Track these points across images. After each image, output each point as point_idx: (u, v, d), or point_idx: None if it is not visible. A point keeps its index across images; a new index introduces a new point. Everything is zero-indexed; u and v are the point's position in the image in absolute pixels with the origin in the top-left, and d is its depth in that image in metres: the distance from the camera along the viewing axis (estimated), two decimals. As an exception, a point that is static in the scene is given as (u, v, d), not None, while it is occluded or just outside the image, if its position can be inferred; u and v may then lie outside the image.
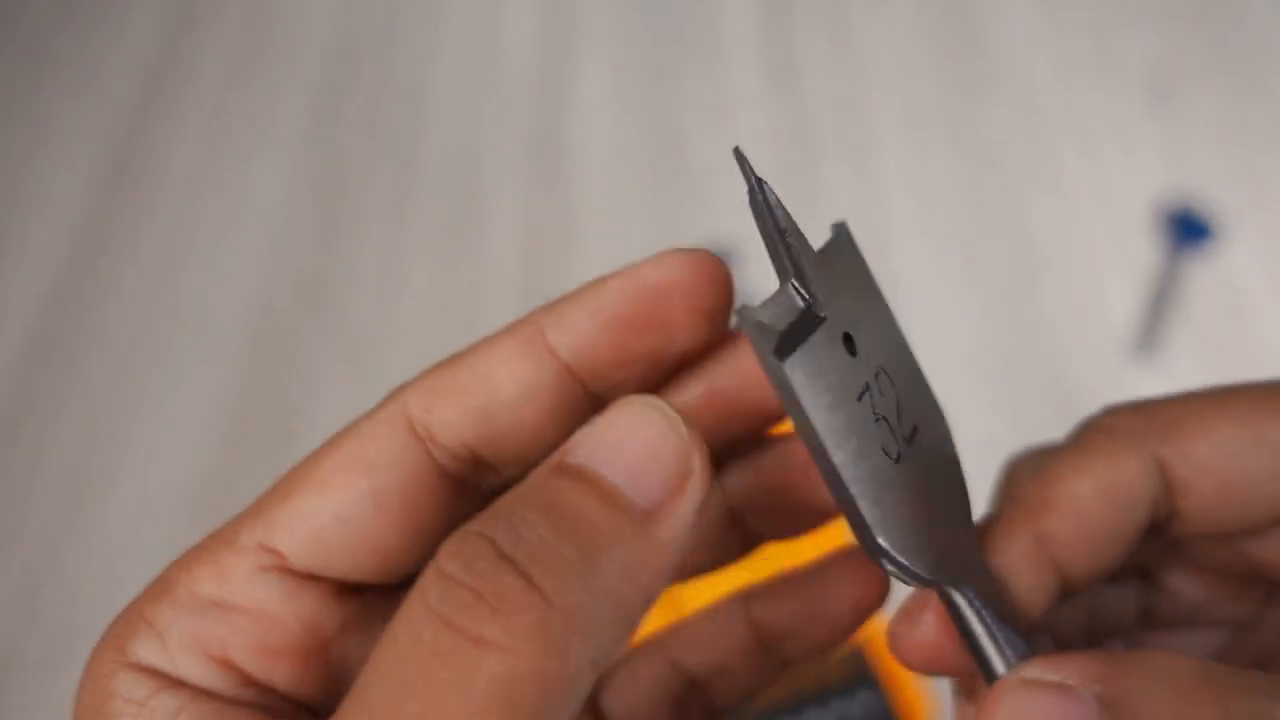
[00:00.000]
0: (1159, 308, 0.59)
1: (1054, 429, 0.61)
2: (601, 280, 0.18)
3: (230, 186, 0.68)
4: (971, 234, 0.64)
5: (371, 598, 0.19)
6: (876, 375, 0.18)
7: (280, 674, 0.18)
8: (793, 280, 0.17)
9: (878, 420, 0.18)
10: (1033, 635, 0.19)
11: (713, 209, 0.66)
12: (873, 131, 0.69)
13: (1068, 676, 0.16)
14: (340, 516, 0.17)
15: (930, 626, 0.18)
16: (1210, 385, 0.20)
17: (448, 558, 0.14)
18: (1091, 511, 0.18)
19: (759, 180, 0.17)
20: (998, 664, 0.18)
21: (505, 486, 0.18)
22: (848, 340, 0.18)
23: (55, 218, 0.66)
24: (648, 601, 0.15)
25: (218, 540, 0.18)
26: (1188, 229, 0.61)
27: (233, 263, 0.64)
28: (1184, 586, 0.21)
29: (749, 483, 0.20)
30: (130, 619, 0.18)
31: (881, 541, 0.17)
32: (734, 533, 0.21)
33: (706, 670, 0.21)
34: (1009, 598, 0.19)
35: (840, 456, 0.17)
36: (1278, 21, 0.74)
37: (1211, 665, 0.16)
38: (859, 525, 0.17)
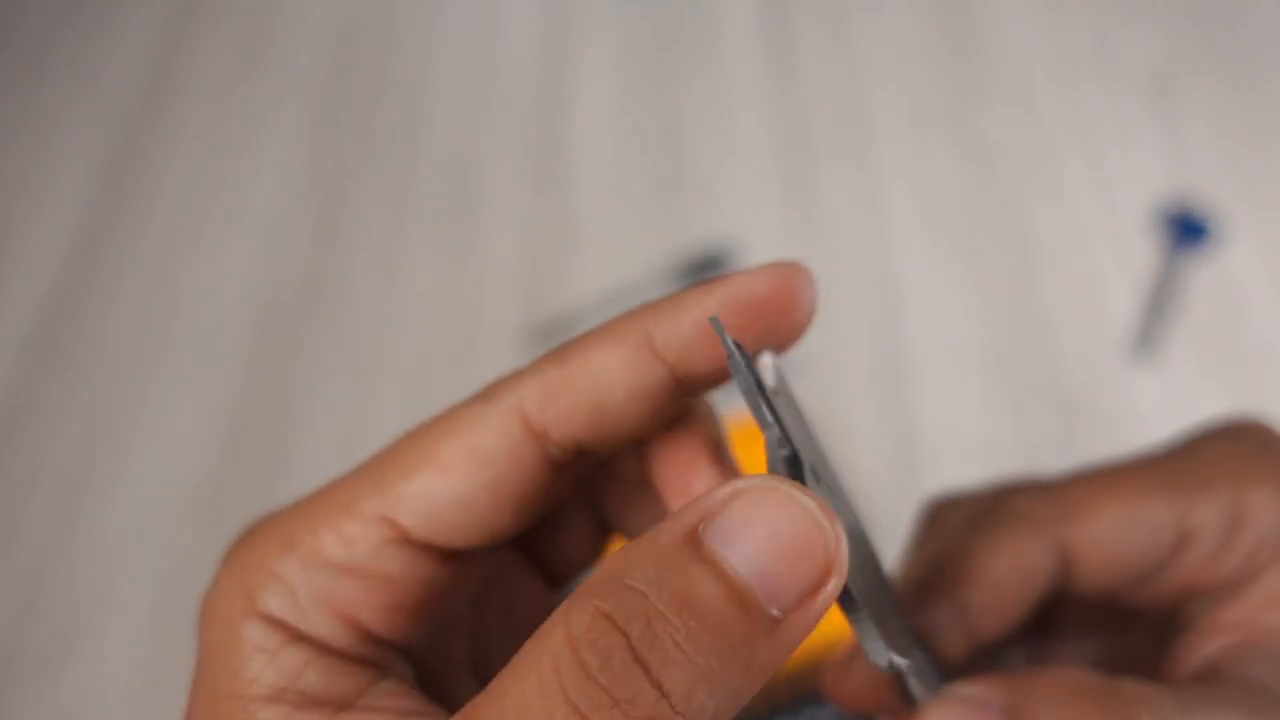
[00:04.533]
0: (1158, 308, 0.59)
1: (1054, 429, 0.61)
2: (706, 288, 0.20)
3: (230, 187, 0.68)
4: (971, 234, 0.64)
5: (468, 557, 0.22)
6: (831, 492, 0.20)
7: (397, 630, 0.20)
8: (777, 434, 0.18)
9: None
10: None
11: (712, 209, 0.66)
12: (873, 131, 0.69)
13: (980, 693, 0.21)
14: (460, 502, 0.20)
15: (863, 674, 0.23)
16: (1102, 464, 0.25)
17: (585, 645, 0.14)
18: (1002, 587, 0.23)
19: (737, 345, 0.18)
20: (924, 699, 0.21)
21: (598, 463, 0.22)
22: (814, 472, 0.19)
23: (55, 217, 0.66)
24: (759, 687, 0.15)
25: (335, 504, 0.20)
26: (1187, 229, 0.61)
27: (233, 263, 0.64)
28: (1071, 616, 0.27)
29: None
30: (257, 569, 0.19)
31: (893, 657, 0.18)
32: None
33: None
34: (930, 644, 0.23)
35: (855, 580, 0.18)
36: (1278, 21, 0.74)
37: (1094, 676, 0.21)
38: (868, 639, 0.18)
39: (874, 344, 0.59)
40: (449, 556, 0.21)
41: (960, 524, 0.25)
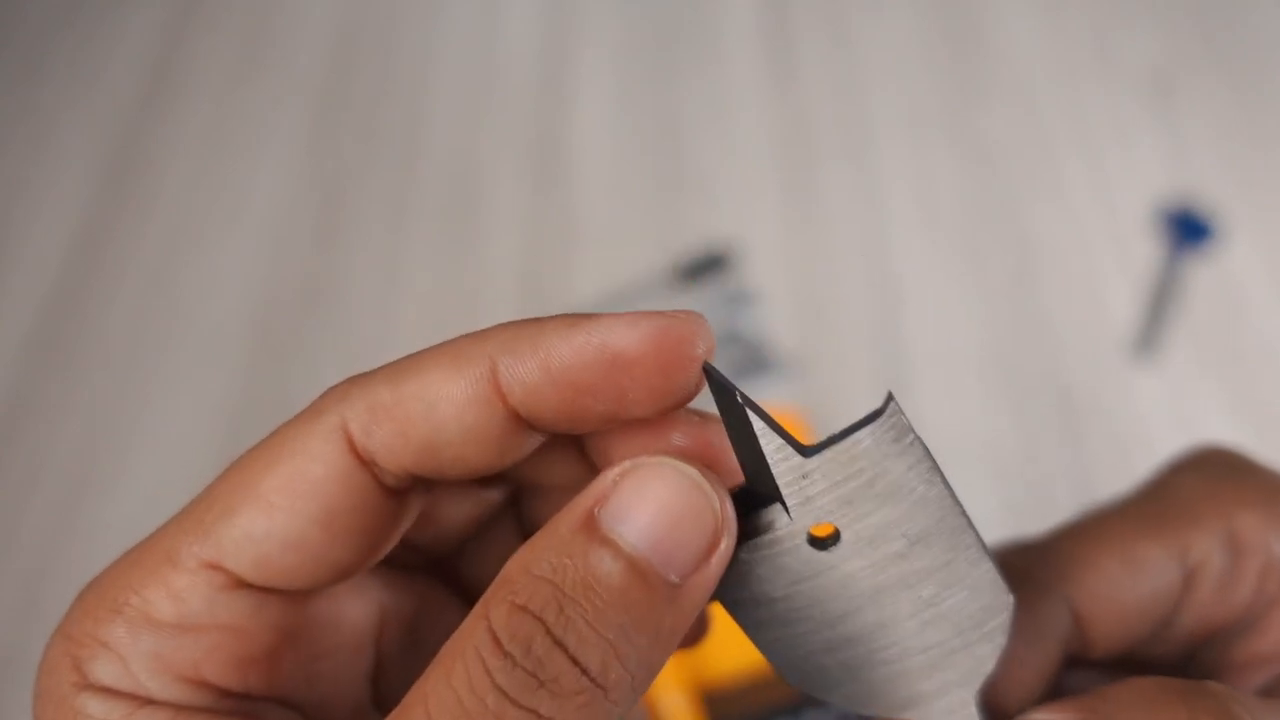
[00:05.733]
0: (1159, 308, 0.59)
1: (1054, 429, 0.61)
2: (571, 325, 0.17)
3: (231, 187, 0.68)
4: (971, 234, 0.64)
5: (331, 593, 0.19)
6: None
7: (257, 683, 0.18)
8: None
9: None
10: None
11: (712, 209, 0.66)
12: (873, 131, 0.69)
13: (1059, 715, 0.19)
14: (289, 542, 0.17)
15: None
16: (1083, 516, 0.23)
17: (507, 636, 0.15)
18: (1021, 656, 0.21)
19: (735, 390, 0.17)
20: None
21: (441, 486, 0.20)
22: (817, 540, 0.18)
23: (56, 217, 0.66)
24: (670, 652, 0.16)
25: (155, 556, 0.17)
26: (1188, 229, 0.61)
27: (233, 263, 0.64)
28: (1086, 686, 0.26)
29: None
30: (83, 639, 0.17)
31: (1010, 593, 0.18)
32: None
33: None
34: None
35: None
36: (1278, 21, 0.74)
37: (1171, 679, 0.19)
38: (987, 572, 0.18)
39: (874, 344, 0.59)
40: (302, 597, 0.18)
41: None
